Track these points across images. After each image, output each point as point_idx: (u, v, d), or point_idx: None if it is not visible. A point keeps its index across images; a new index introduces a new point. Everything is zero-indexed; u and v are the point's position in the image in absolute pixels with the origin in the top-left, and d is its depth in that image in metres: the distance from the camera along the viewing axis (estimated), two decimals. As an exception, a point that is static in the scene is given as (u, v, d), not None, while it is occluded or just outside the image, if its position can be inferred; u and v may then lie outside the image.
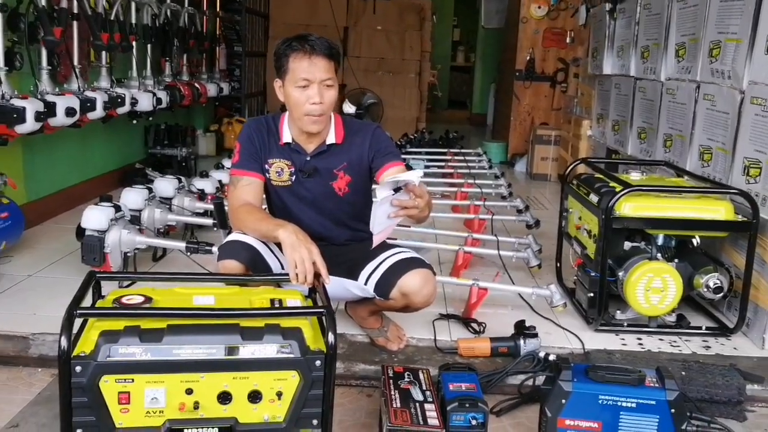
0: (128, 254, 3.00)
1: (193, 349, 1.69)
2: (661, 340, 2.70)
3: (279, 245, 2.12)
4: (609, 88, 4.73)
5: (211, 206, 3.55)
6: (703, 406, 2.26)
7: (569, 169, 3.33)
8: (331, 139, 2.29)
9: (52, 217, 4.02)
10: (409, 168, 4.59)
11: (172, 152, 5.36)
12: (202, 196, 3.78)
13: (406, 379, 2.13)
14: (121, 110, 4.09)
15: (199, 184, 3.86)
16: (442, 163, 5.69)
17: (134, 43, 4.42)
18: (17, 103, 3.07)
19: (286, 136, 2.29)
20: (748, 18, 2.86)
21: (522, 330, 2.51)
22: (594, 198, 2.79)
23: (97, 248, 2.90)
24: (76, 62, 3.76)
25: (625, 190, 2.62)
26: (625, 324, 2.77)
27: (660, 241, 2.81)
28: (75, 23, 3.74)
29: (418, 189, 1.94)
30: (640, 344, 2.65)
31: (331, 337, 1.74)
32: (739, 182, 2.87)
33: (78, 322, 1.70)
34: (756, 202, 2.62)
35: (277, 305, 1.89)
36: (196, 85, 5.38)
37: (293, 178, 2.30)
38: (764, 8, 2.76)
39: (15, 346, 2.48)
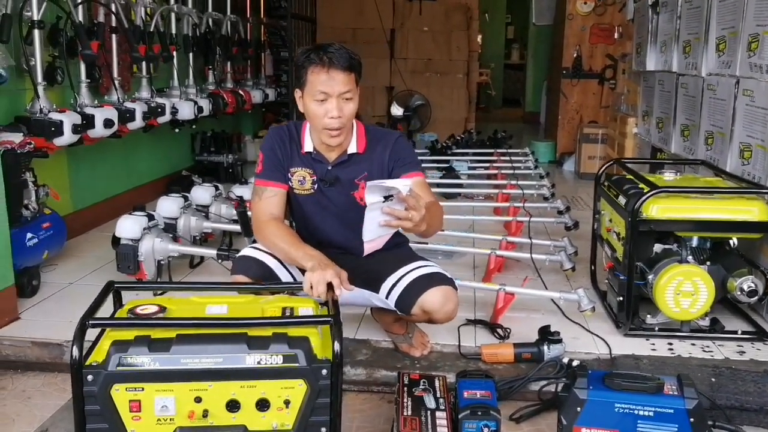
0: (162, 262, 3.08)
1: (201, 358, 1.73)
2: (693, 345, 2.62)
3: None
4: (653, 84, 4.60)
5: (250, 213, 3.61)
6: (732, 414, 2.18)
7: (602, 169, 3.26)
8: (352, 148, 2.27)
9: (98, 225, 4.16)
10: (450, 170, 4.60)
11: (218, 159, 5.48)
12: (240, 203, 3.84)
13: (420, 387, 2.12)
14: (161, 119, 4.20)
15: (237, 191, 3.92)
16: (487, 164, 5.64)
17: (175, 53, 4.52)
18: (55, 116, 3.19)
19: (308, 145, 2.28)
20: (786, 9, 2.75)
21: (546, 335, 2.47)
22: (622, 200, 2.72)
23: (131, 257, 2.99)
24: (115, 74, 3.89)
25: (651, 192, 2.55)
26: (656, 328, 2.68)
27: (694, 243, 2.72)
28: (114, 36, 3.85)
29: (412, 200, 1.92)
30: (671, 349, 2.57)
31: (336, 346, 1.75)
32: (777, 181, 2.76)
33: (97, 331, 1.77)
34: (791, 202, 2.51)
35: (288, 314, 1.92)
36: (241, 92, 5.47)
37: (315, 186, 2.29)
38: (801, -1, 2.65)
39: (51, 353, 2.58)
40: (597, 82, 6.52)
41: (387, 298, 2.29)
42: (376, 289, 2.30)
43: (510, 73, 12.94)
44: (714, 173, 3.14)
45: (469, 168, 5.46)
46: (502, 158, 5.80)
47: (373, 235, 2.06)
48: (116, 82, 3.86)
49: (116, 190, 4.47)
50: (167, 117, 4.24)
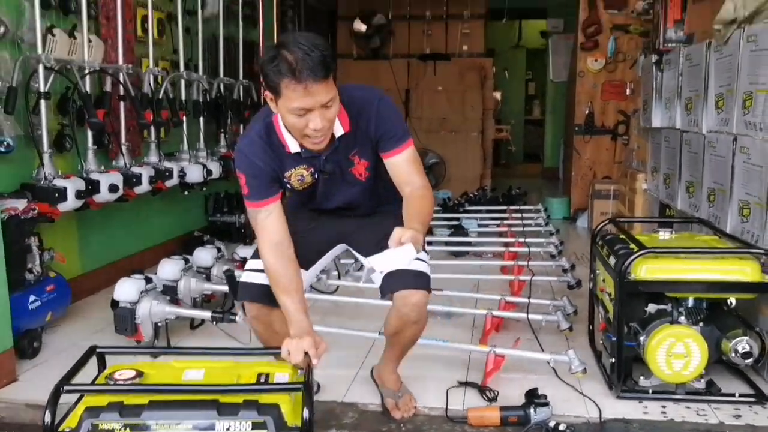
0: (159, 324, 3.11)
1: (171, 425, 1.74)
2: (687, 408, 2.54)
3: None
4: (660, 141, 4.59)
5: None
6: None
7: (597, 228, 3.24)
8: (339, 131, 2.11)
9: (108, 287, 4.21)
10: (459, 228, 4.54)
11: (230, 219, 5.56)
12: (243, 264, 3.88)
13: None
14: (169, 183, 4.29)
15: (242, 252, 3.97)
16: (498, 222, 5.63)
17: (185, 118, 4.65)
18: (59, 183, 3.29)
19: (293, 146, 2.11)
20: (773, 68, 2.75)
21: (533, 398, 2.43)
22: (612, 260, 2.70)
23: (128, 319, 3.03)
24: (124, 140, 4.00)
25: (639, 253, 2.52)
26: (650, 391, 2.62)
27: (690, 303, 2.67)
28: (122, 104, 3.99)
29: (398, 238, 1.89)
30: (664, 413, 2.50)
31: (306, 414, 1.75)
32: (772, 239, 2.71)
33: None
34: (783, 262, 2.46)
35: (263, 380, 1.93)
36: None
37: (315, 176, 2.21)
38: (787, 57, 2.65)
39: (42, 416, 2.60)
40: (610, 137, 6.52)
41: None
42: (364, 254, 2.30)
43: (531, 128, 12.98)
44: (712, 232, 3.10)
45: (479, 225, 5.45)
46: (514, 215, 5.78)
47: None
48: (124, 148, 3.97)
49: (128, 252, 4.55)
50: (175, 180, 4.33)
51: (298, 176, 2.18)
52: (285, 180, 2.18)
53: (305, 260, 2.30)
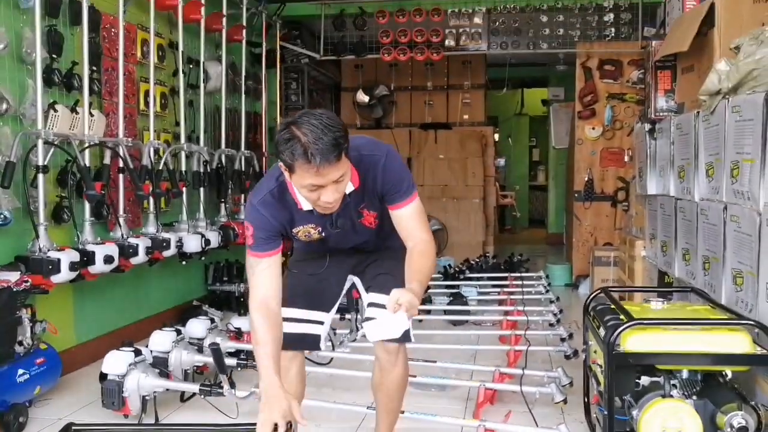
0: (147, 398, 3.08)
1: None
2: (684, 487, 2.46)
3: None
4: (656, 207, 4.59)
5: (247, 346, 3.61)
6: None
7: (589, 298, 3.21)
8: (349, 188, 2.17)
9: (102, 358, 4.18)
10: (458, 297, 4.62)
11: (230, 288, 5.55)
12: (238, 335, 3.87)
13: None
14: (167, 253, 4.31)
15: (236, 322, 3.96)
16: (498, 290, 5.60)
17: (184, 189, 4.71)
18: (53, 255, 3.32)
19: (305, 204, 2.18)
20: (758, 138, 2.77)
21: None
22: (602, 331, 2.66)
23: (116, 393, 3.01)
24: (122, 211, 4.05)
25: (627, 324, 2.49)
26: (645, 468, 2.54)
27: (684, 375, 2.63)
28: (121, 176, 4.06)
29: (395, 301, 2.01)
30: (658, 492, 2.42)
31: None
32: (765, 309, 2.68)
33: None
34: (774, 333, 2.42)
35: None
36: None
37: (322, 234, 2.29)
38: (770, 128, 2.67)
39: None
40: (610, 204, 6.53)
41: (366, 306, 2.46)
42: (366, 288, 2.50)
43: (537, 194, 13.05)
44: (707, 301, 3.07)
45: (479, 293, 5.42)
46: (515, 283, 5.76)
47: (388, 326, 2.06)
48: (121, 219, 4.02)
49: (125, 322, 4.54)
50: (172, 251, 4.36)
51: (306, 233, 2.28)
52: (293, 233, 2.29)
53: (326, 304, 2.50)
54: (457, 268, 6.30)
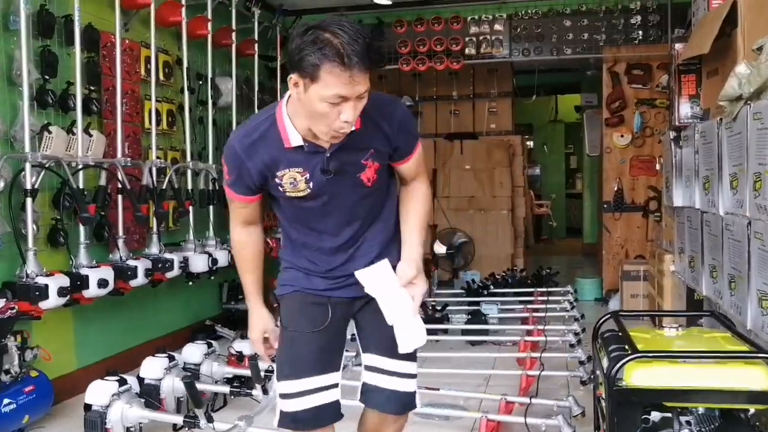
0: (132, 429, 2.96)
1: None
2: None
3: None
4: (684, 220, 4.31)
5: (245, 371, 3.48)
6: None
7: (598, 323, 2.97)
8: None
9: (105, 381, 4.11)
10: (477, 315, 4.46)
11: (245, 307, 5.41)
12: (239, 359, 3.74)
13: None
14: (170, 274, 4.21)
15: (237, 345, 3.83)
16: (521, 306, 5.36)
17: (191, 208, 4.61)
18: (41, 280, 3.23)
19: (295, 139, 1.89)
20: (779, 147, 2.51)
21: None
22: (605, 363, 2.43)
23: (98, 424, 2.89)
24: (120, 233, 3.96)
25: (629, 357, 2.25)
26: None
27: (701, 411, 2.38)
28: (119, 197, 3.97)
29: (404, 280, 1.94)
30: None
31: None
32: (791, 338, 2.42)
33: None
34: (796, 368, 2.16)
35: None
36: (268, 240, 5.48)
37: (310, 184, 1.94)
38: (791, 136, 2.41)
39: None
40: (641, 215, 6.22)
41: (363, 369, 2.17)
42: (364, 350, 2.17)
43: (575, 202, 12.70)
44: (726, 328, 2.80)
45: (500, 310, 5.19)
46: (540, 299, 5.51)
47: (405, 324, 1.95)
48: (120, 241, 3.93)
49: (131, 343, 4.45)
50: (176, 271, 4.25)
51: (291, 179, 1.93)
52: (277, 181, 1.94)
53: (336, 360, 2.13)
54: (480, 284, 6.06)
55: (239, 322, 5.33)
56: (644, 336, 2.60)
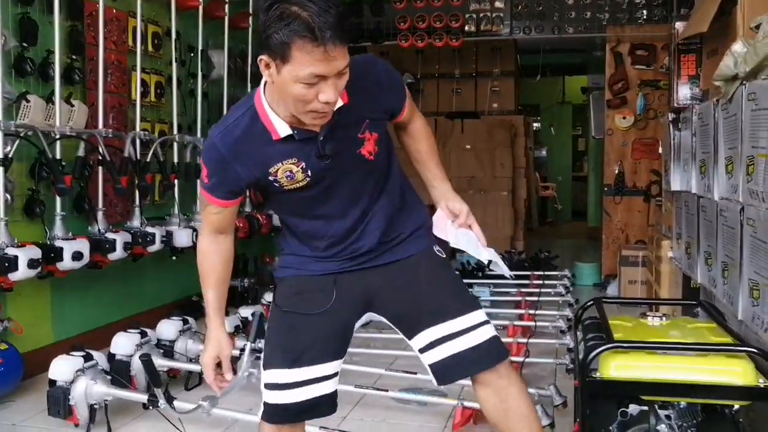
0: (96, 406, 2.88)
1: None
2: None
3: None
4: (682, 205, 4.17)
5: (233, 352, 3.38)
6: None
7: (579, 311, 2.86)
8: (338, 102, 1.70)
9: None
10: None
11: (233, 283, 5.35)
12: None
13: None
14: (152, 248, 4.13)
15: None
16: (514, 290, 5.25)
17: (176, 182, 4.51)
18: (11, 252, 3.15)
19: (282, 129, 1.73)
20: (771, 129, 2.38)
21: None
22: (581, 353, 2.32)
23: (61, 400, 2.82)
24: (100, 205, 3.88)
25: (602, 348, 2.14)
26: None
27: (682, 404, 2.28)
28: (99, 169, 3.88)
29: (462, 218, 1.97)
30: None
31: None
32: (778, 330, 2.30)
33: None
34: (778, 363, 2.05)
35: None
36: (259, 216, 5.40)
37: (308, 173, 1.77)
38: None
39: None
40: (642, 199, 6.07)
41: (421, 353, 1.90)
42: (410, 335, 1.90)
43: (581, 185, 12.54)
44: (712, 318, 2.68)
45: (492, 293, 5.08)
46: (536, 282, 5.40)
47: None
48: (99, 214, 3.85)
49: (113, 318, 4.37)
50: (158, 246, 4.17)
51: (286, 172, 1.77)
52: (271, 178, 1.78)
53: (340, 348, 1.94)
54: (475, 266, 5.95)
55: (228, 299, 5.25)
56: (625, 325, 2.50)
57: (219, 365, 1.92)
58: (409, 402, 3.17)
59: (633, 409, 2.28)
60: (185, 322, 3.53)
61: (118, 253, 3.82)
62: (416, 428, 2.92)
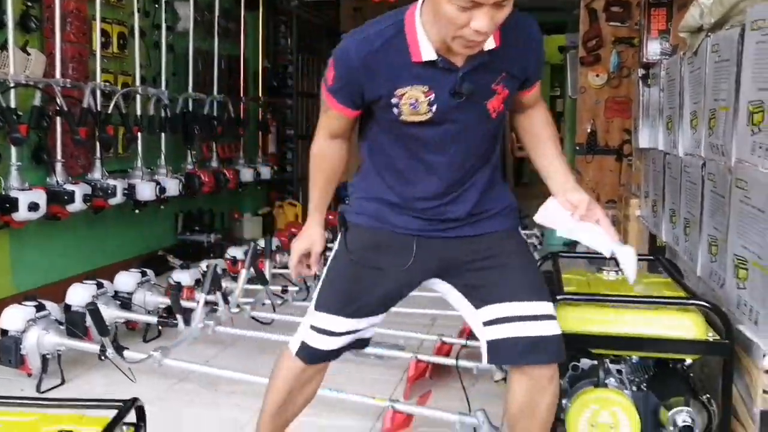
0: (48, 356, 2.84)
1: None
2: (615, 489, 2.13)
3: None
4: (649, 163, 4.16)
5: (191, 304, 3.33)
6: None
7: (538, 266, 2.84)
8: (489, 43, 1.60)
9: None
10: None
11: (200, 239, 5.30)
12: (176, 290, 3.62)
13: None
14: (113, 201, 4.06)
15: (177, 276, 3.71)
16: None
17: (139, 135, 4.42)
18: (-42, 202, 3.07)
19: (427, 52, 1.61)
20: (732, 82, 2.34)
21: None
22: (534, 305, 2.30)
23: (12, 350, 2.78)
24: (59, 156, 3.79)
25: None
26: (573, 465, 2.21)
27: (635, 359, 2.28)
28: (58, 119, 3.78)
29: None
30: (580, 496, 2.09)
31: None
32: (732, 285, 2.29)
33: None
34: (727, 317, 2.04)
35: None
36: (225, 171, 5.33)
37: (433, 108, 1.65)
38: (745, 66, 2.23)
39: None
40: (614, 158, 6.04)
41: (484, 326, 1.81)
42: (478, 305, 1.80)
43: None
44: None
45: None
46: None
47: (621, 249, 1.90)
48: (58, 165, 3.77)
49: (76, 271, 4.30)
50: (119, 198, 4.09)
51: (412, 99, 1.65)
52: (394, 101, 1.66)
53: (381, 312, 1.88)
54: (444, 223, 5.91)
55: (194, 254, 5.20)
56: (580, 279, 2.49)
57: (305, 258, 1.94)
58: (369, 356, 3.16)
59: (584, 363, 2.28)
60: (144, 274, 3.48)
61: (77, 205, 3.75)
62: (372, 380, 2.91)
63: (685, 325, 2.10)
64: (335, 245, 1.89)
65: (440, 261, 1.82)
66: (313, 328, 1.84)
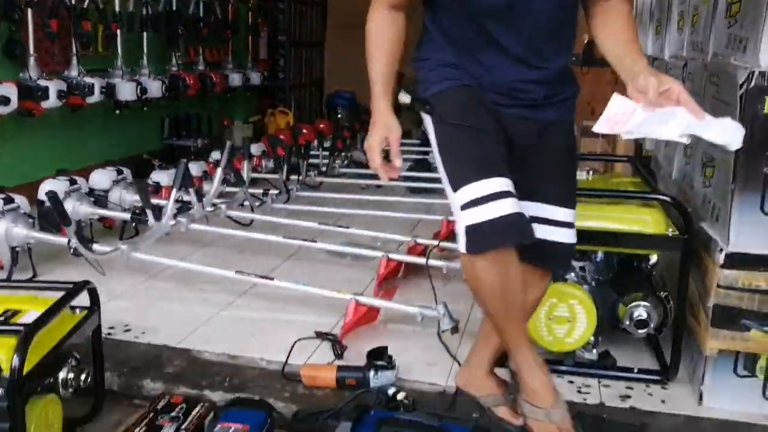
0: (17, 249, 2.84)
1: None
2: (570, 383, 2.15)
3: None
4: (640, 71, 4.05)
5: (163, 202, 3.30)
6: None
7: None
8: None
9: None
10: (422, 163, 4.20)
11: (186, 143, 5.23)
12: (156, 189, 3.61)
13: (172, 414, 1.78)
14: (90, 99, 3.98)
15: (155, 176, 3.69)
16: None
17: (118, 32, 4.30)
18: None
19: None
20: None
21: (376, 360, 2.08)
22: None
23: (-20, 242, 2.77)
24: (31, 50, 3.69)
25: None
26: (529, 359, 2.23)
27: (599, 256, 2.27)
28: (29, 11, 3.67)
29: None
30: (534, 387, 2.11)
31: (16, 361, 1.52)
32: (699, 184, 2.26)
33: None
34: (688, 213, 2.01)
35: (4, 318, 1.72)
36: (212, 75, 5.22)
37: None
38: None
39: None
40: (610, 70, 5.86)
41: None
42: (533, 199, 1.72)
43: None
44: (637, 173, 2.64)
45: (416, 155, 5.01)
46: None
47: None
48: (31, 59, 3.67)
49: (54, 170, 4.27)
50: (96, 97, 4.01)
51: None
52: None
53: (497, 165, 1.64)
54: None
55: (180, 158, 5.14)
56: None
57: (385, 155, 1.66)
58: (345, 256, 3.17)
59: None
60: (120, 172, 3.45)
61: (52, 102, 3.68)
62: (344, 279, 2.91)
63: (645, 221, 2.08)
64: (429, 131, 1.70)
65: (512, 140, 1.71)
66: (463, 207, 1.60)
